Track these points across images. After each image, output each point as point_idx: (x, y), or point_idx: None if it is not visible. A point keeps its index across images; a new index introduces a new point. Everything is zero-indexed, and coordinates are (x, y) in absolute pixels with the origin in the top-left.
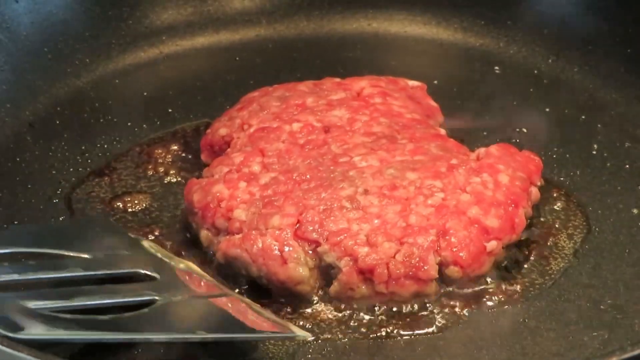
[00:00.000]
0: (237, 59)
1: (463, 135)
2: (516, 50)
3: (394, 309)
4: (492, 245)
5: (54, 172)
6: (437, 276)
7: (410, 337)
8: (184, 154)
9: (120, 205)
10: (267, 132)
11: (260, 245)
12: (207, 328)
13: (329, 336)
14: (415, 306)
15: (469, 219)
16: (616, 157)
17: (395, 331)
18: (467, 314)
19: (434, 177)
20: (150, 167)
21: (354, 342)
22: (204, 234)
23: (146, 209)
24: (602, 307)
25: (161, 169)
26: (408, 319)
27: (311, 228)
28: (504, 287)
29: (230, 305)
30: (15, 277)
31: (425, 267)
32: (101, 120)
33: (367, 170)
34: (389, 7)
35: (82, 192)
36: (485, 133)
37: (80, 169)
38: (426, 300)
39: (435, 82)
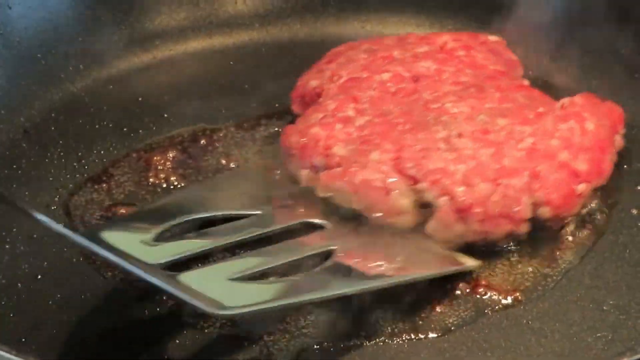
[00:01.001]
0: (231, 62)
1: None
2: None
3: (398, 312)
4: (581, 187)
5: (50, 178)
6: (530, 216)
7: (415, 340)
8: (183, 160)
9: (123, 212)
10: (358, 82)
11: (362, 176)
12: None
13: (333, 339)
14: (419, 309)
15: (559, 163)
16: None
17: (399, 334)
18: (470, 317)
19: (523, 123)
20: (150, 174)
21: (357, 345)
22: (304, 174)
23: None
24: (605, 308)
25: (162, 176)
26: (412, 322)
27: (410, 165)
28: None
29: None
30: (207, 245)
31: (520, 208)
32: (96, 126)
33: (459, 115)
34: (382, 10)
35: (80, 199)
36: None
37: (77, 176)
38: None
39: None
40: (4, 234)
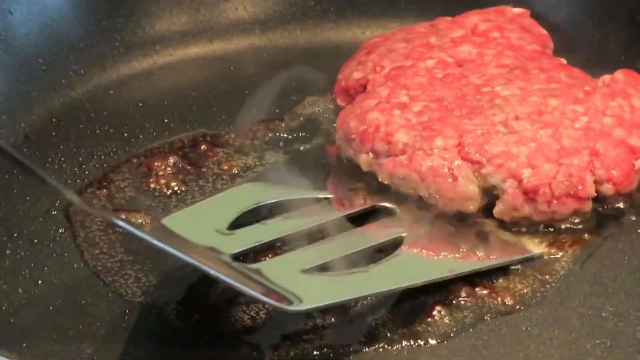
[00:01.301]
0: (232, 68)
1: None
2: None
3: (398, 318)
4: (638, 163)
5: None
6: (595, 194)
7: (414, 346)
8: (183, 165)
9: (123, 217)
10: (403, 70)
11: (429, 163)
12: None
13: (332, 345)
14: (419, 315)
15: (615, 140)
16: None
17: (399, 340)
18: (470, 323)
19: (574, 103)
20: (152, 180)
21: (357, 350)
22: (364, 158)
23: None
24: (604, 314)
25: (162, 181)
26: (412, 328)
27: (473, 150)
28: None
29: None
30: (281, 231)
31: (584, 186)
32: (97, 131)
33: (511, 98)
34: (382, 16)
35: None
36: None
37: (77, 181)
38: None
39: None
40: (4, 239)
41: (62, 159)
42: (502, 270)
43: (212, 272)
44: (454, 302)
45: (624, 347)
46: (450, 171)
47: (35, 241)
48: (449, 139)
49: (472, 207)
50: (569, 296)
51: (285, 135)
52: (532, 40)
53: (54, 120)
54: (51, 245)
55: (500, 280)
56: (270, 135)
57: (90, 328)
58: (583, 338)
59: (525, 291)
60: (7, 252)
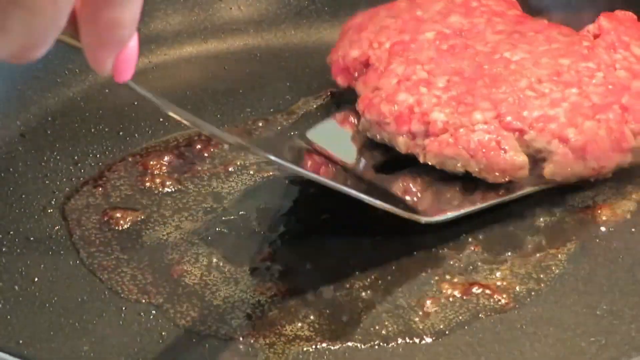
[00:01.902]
0: (226, 68)
1: None
2: None
3: (393, 316)
4: None
5: (47, 182)
6: (636, 144)
7: (409, 344)
8: (178, 164)
9: (119, 215)
10: (405, 44)
11: (476, 139)
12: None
13: (325, 344)
14: (414, 312)
15: (637, 92)
16: None
17: (394, 337)
18: (465, 321)
19: (584, 60)
20: (147, 179)
21: (352, 349)
22: (402, 141)
23: (146, 219)
24: (598, 312)
25: (158, 180)
26: (407, 326)
27: (512, 118)
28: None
29: None
30: None
31: (625, 139)
32: (92, 130)
33: (524, 62)
34: None
35: (76, 203)
36: None
37: (73, 179)
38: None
39: None
40: (0, 237)
41: (58, 157)
42: (498, 268)
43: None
44: (449, 300)
45: (619, 345)
46: (498, 144)
47: (31, 239)
48: (487, 112)
49: (523, 174)
50: (563, 294)
51: (280, 135)
52: (507, 6)
53: (49, 118)
54: (47, 243)
55: (495, 279)
56: (264, 134)
57: (86, 326)
58: (578, 336)
59: (519, 289)
60: (3, 249)
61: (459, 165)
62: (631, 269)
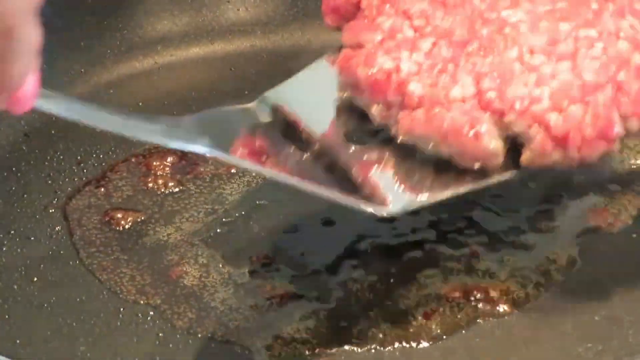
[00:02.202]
0: (232, 69)
1: None
2: None
3: (390, 319)
4: None
5: (49, 182)
6: (624, 133)
7: (406, 348)
8: (181, 165)
9: (120, 216)
10: None
11: (449, 121)
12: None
13: (322, 347)
14: (411, 316)
15: (635, 68)
16: None
17: (391, 341)
18: (463, 325)
19: (586, 26)
20: (149, 179)
21: (349, 353)
22: (376, 109)
23: (147, 220)
24: (596, 318)
25: (160, 181)
26: (404, 330)
27: (492, 96)
28: None
29: None
30: None
31: (612, 126)
32: (96, 130)
33: (521, 25)
34: None
35: (78, 203)
36: None
37: (75, 179)
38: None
39: None
40: (1, 236)
41: (61, 157)
42: (496, 273)
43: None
44: (447, 304)
45: (615, 350)
46: (474, 128)
47: (32, 239)
48: (467, 87)
49: (496, 161)
50: (563, 300)
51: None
52: None
53: (53, 119)
54: (47, 242)
55: (494, 284)
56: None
57: (85, 326)
58: (575, 341)
59: (518, 294)
60: (3, 249)
61: (429, 146)
62: (631, 275)
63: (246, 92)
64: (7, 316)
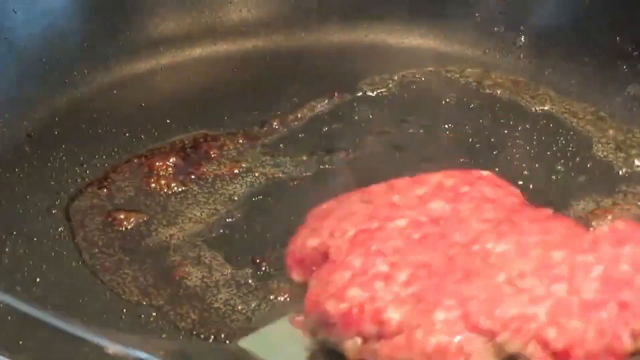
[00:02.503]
0: (235, 70)
1: None
2: (515, 57)
3: None
4: None
5: (52, 183)
6: (634, 349)
7: None
8: (184, 166)
9: (122, 217)
10: (371, 233)
11: (434, 342)
12: None
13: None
14: None
15: (639, 288)
16: None
17: None
18: None
19: (582, 253)
20: (152, 180)
21: None
22: (351, 344)
23: (149, 220)
24: None
25: (163, 182)
26: None
27: (482, 319)
28: None
29: None
30: None
31: (620, 342)
32: (99, 131)
33: (508, 254)
34: (386, 19)
35: (80, 204)
36: None
37: (78, 180)
38: None
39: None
40: (4, 237)
41: (64, 157)
42: None
43: None
44: None
45: None
46: (461, 348)
47: (35, 239)
48: (451, 310)
49: None
50: None
51: (287, 138)
52: (506, 193)
53: (56, 119)
54: (50, 243)
55: None
56: (271, 137)
57: (88, 327)
58: None
59: None
60: (7, 250)
61: None
62: None
63: (249, 93)
64: (9, 317)
